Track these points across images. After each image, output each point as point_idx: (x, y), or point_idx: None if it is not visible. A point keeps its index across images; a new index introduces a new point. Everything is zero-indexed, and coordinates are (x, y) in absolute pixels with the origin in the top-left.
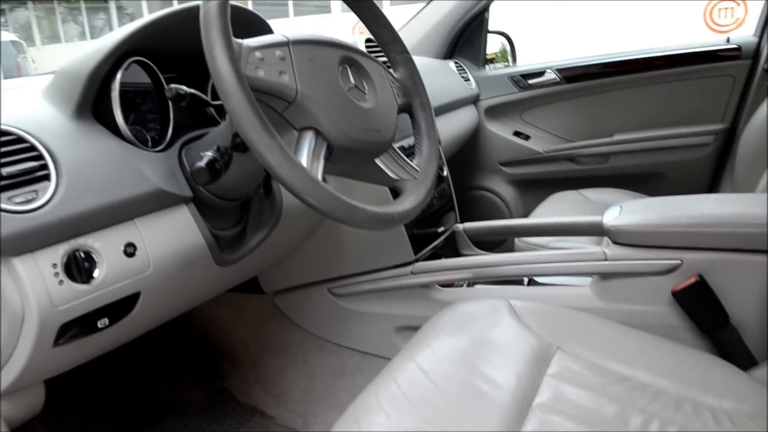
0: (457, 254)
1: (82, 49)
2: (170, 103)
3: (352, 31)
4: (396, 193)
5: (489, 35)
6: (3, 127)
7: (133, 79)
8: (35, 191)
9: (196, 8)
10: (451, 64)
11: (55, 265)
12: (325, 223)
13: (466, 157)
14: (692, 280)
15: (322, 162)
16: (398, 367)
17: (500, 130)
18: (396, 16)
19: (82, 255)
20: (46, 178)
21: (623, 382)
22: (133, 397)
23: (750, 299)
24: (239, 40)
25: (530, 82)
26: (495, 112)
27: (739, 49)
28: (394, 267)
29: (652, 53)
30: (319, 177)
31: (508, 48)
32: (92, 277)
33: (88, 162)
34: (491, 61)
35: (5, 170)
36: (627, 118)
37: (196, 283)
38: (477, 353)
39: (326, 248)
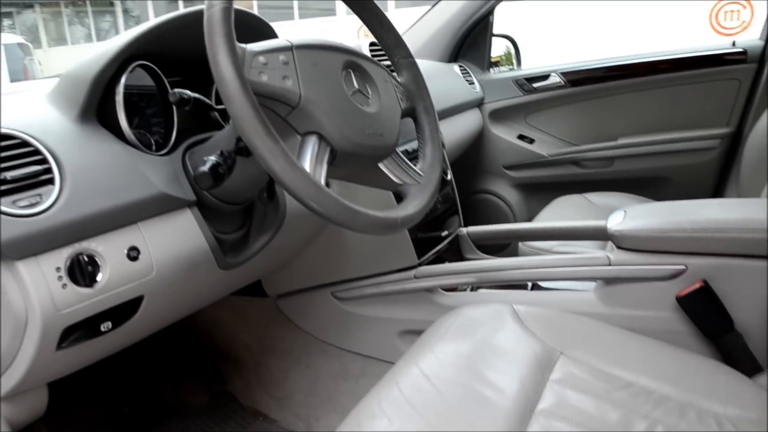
0: (461, 258)
1: (88, 51)
2: (174, 107)
3: (357, 34)
4: (400, 197)
5: (494, 39)
6: (8, 131)
7: (137, 82)
8: (39, 195)
9: (201, 12)
10: (456, 67)
11: (58, 269)
12: (328, 227)
13: (470, 161)
14: (696, 285)
15: (325, 167)
16: (401, 372)
17: (505, 134)
18: (401, 18)
19: (86, 259)
20: (50, 182)
21: (627, 387)
22: (136, 399)
23: (755, 305)
24: (243, 45)
25: (535, 85)
26: (499, 115)
27: (744, 52)
28: (397, 271)
29: (657, 57)
30: (322, 182)
31: (512, 51)
32: (95, 281)
33: (92, 166)
34: (496, 64)
35: (9, 174)
36: (632, 121)
37: (199, 286)
38: (480, 358)
39: (330, 252)
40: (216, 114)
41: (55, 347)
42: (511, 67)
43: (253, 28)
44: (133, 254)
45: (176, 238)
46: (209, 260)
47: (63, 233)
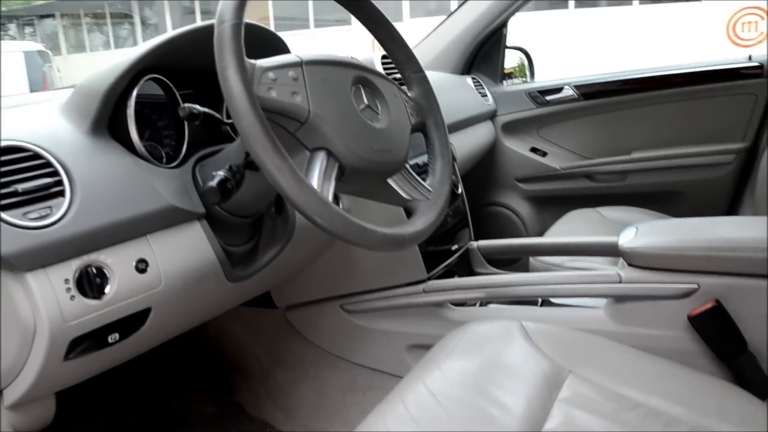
0: (471, 272)
1: (106, 58)
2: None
3: (372, 46)
4: (410, 212)
5: (507, 51)
6: (20, 143)
7: (150, 91)
8: (49, 207)
9: (212, 27)
10: (469, 79)
11: (67, 281)
12: (337, 240)
13: (482, 173)
14: (709, 305)
15: (333, 183)
16: (407, 389)
17: (517, 146)
18: (415, 29)
19: (94, 271)
20: (61, 194)
21: (636, 408)
22: (144, 408)
23: None
24: (252, 61)
25: (548, 98)
26: (512, 127)
27: (761, 67)
28: (406, 285)
29: (671, 70)
30: (330, 198)
31: (526, 63)
32: (103, 293)
33: (102, 178)
34: (510, 75)
35: (21, 186)
36: (645, 135)
37: (207, 298)
38: (487, 376)
39: (339, 265)
40: (227, 127)
41: (63, 358)
42: (524, 79)
43: (265, 42)
44: (142, 266)
45: (185, 251)
46: (217, 273)
47: (72, 245)
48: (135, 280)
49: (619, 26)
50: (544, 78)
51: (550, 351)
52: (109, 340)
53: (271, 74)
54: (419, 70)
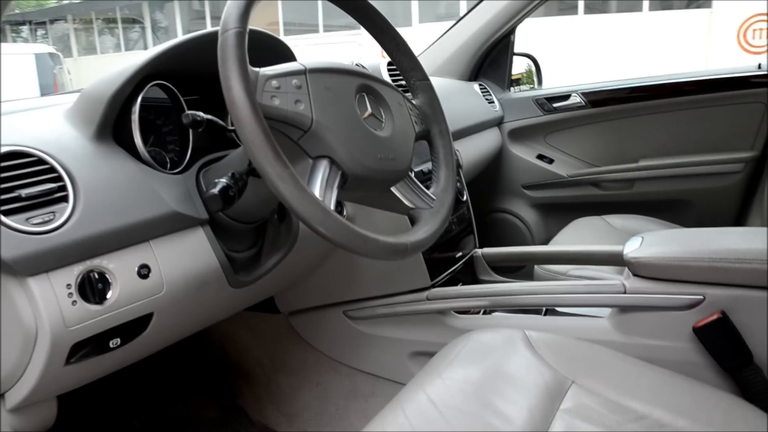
0: (475, 279)
1: (115, 61)
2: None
3: (381, 52)
4: (413, 220)
5: (515, 57)
6: (25, 148)
7: (155, 95)
8: (53, 212)
9: (216, 33)
10: (476, 86)
11: (69, 286)
12: None
13: (488, 179)
14: (714, 316)
15: (335, 191)
16: (407, 398)
17: (524, 153)
18: (424, 34)
19: (96, 276)
20: (64, 199)
21: (639, 420)
22: (146, 412)
23: None
24: (256, 69)
25: (555, 105)
26: (519, 134)
27: None
28: (410, 292)
29: (680, 78)
30: (332, 207)
31: (533, 69)
32: (105, 298)
33: (106, 184)
34: (517, 81)
35: (24, 192)
36: (653, 143)
37: (210, 304)
38: (489, 385)
39: (342, 271)
40: (232, 134)
41: (64, 362)
42: (532, 85)
43: (271, 49)
44: (144, 272)
45: (187, 257)
46: (220, 278)
47: (75, 251)
48: (137, 285)
49: (629, 33)
50: (552, 84)
51: (553, 361)
52: (111, 345)
53: (274, 82)
54: (424, 77)
